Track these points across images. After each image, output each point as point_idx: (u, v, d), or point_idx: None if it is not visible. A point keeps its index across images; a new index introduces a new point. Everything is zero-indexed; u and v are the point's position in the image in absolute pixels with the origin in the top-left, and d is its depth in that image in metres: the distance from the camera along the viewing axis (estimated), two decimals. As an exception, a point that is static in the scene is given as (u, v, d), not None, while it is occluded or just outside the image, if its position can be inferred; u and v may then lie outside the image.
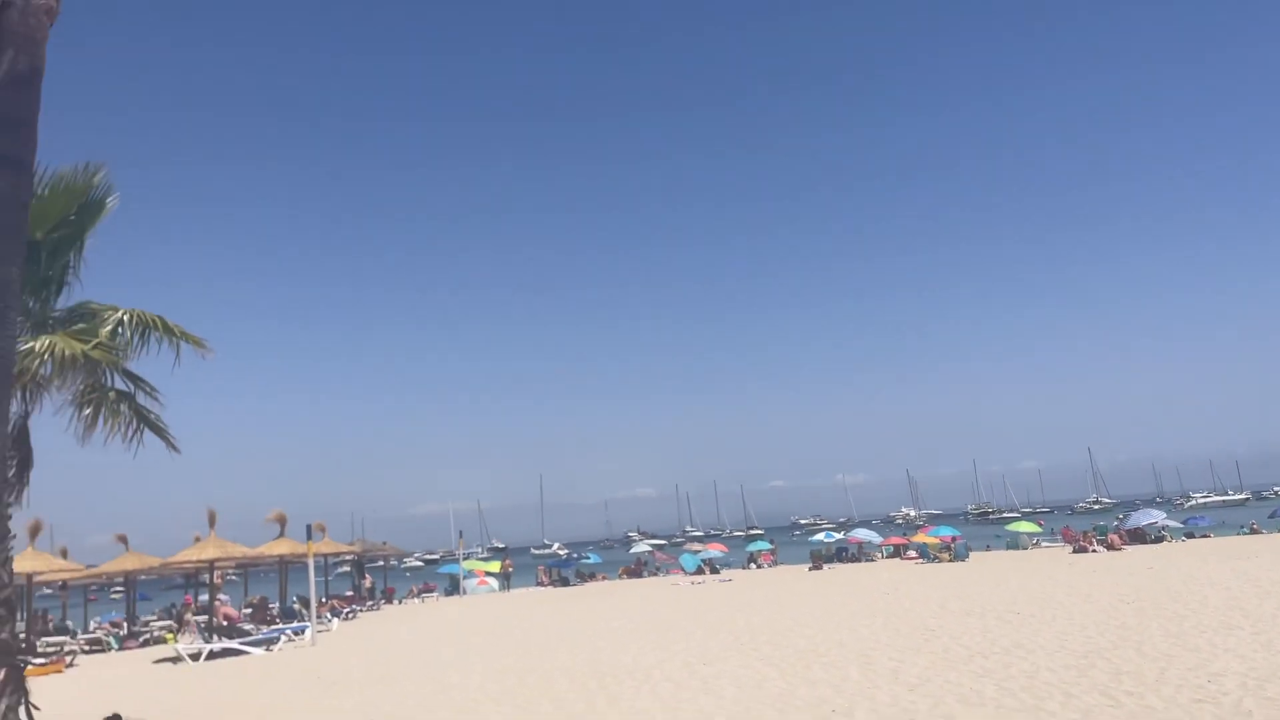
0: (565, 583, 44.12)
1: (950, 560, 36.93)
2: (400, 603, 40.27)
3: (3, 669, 10.51)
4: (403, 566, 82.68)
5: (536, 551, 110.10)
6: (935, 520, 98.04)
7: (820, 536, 51.01)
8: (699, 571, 43.00)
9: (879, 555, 44.57)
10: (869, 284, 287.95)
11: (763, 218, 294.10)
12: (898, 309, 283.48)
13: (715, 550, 50.49)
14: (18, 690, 10.69)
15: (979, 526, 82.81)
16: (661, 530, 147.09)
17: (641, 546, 62.45)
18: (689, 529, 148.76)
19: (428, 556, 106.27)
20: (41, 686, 12.25)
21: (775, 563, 46.33)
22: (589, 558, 52.53)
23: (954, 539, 40.41)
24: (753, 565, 45.80)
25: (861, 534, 48.07)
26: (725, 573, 41.92)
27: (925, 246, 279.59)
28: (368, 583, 41.48)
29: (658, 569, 47.92)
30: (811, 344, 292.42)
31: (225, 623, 24.34)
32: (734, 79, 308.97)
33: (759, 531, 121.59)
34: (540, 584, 44.67)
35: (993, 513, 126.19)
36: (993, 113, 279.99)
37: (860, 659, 13.13)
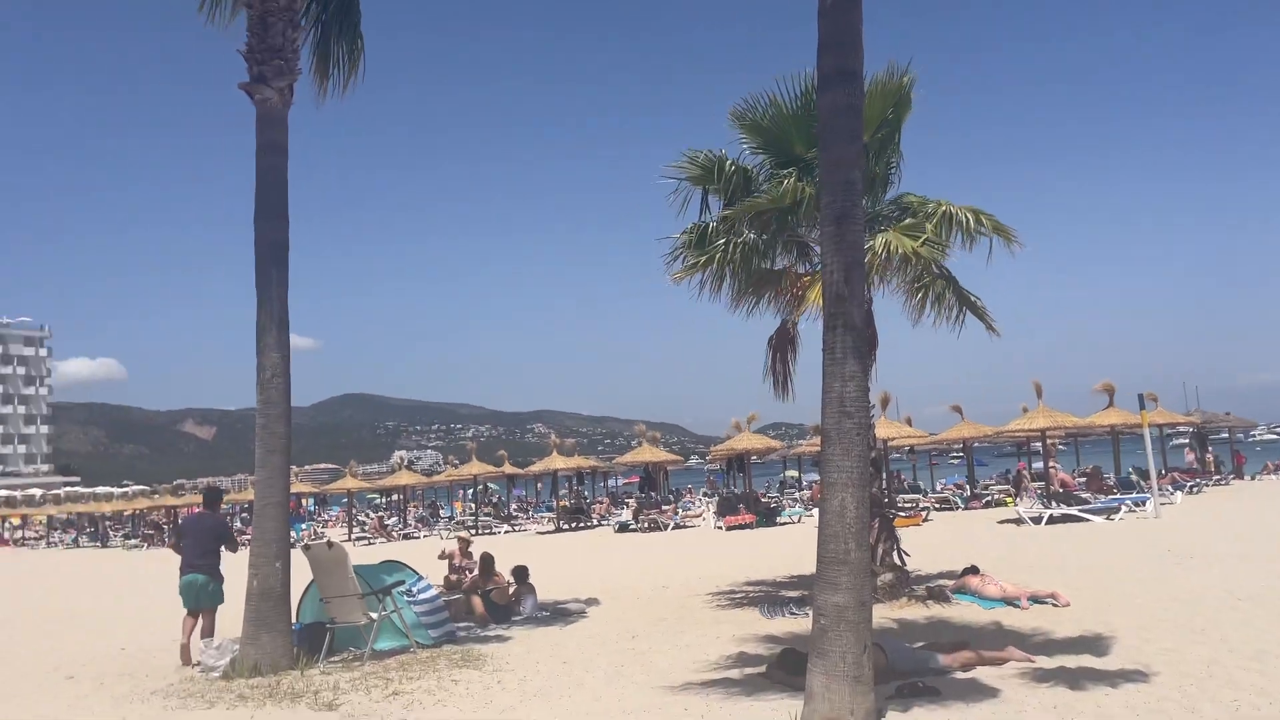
0: None
1: None
2: (1253, 479, 36.12)
3: (876, 518, 12.40)
4: (1249, 439, 73.78)
5: None
6: None
7: None
8: None
9: None
10: None
11: None
12: None
13: None
14: (890, 536, 12.50)
15: None
16: None
17: None
18: None
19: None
20: (905, 535, 14.06)
21: None
22: None
23: None
24: None
25: None
26: None
27: None
28: (1211, 456, 38.03)
29: None
30: None
31: (1062, 489, 24.75)
32: None
33: None
34: None
35: None
36: None
37: None
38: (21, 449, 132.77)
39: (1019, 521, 22.26)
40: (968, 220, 11.37)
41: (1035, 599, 10.86)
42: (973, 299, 12.01)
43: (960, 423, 31.68)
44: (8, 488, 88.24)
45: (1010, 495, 29.39)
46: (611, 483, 51.58)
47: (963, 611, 10.71)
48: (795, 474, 45.21)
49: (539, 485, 51.53)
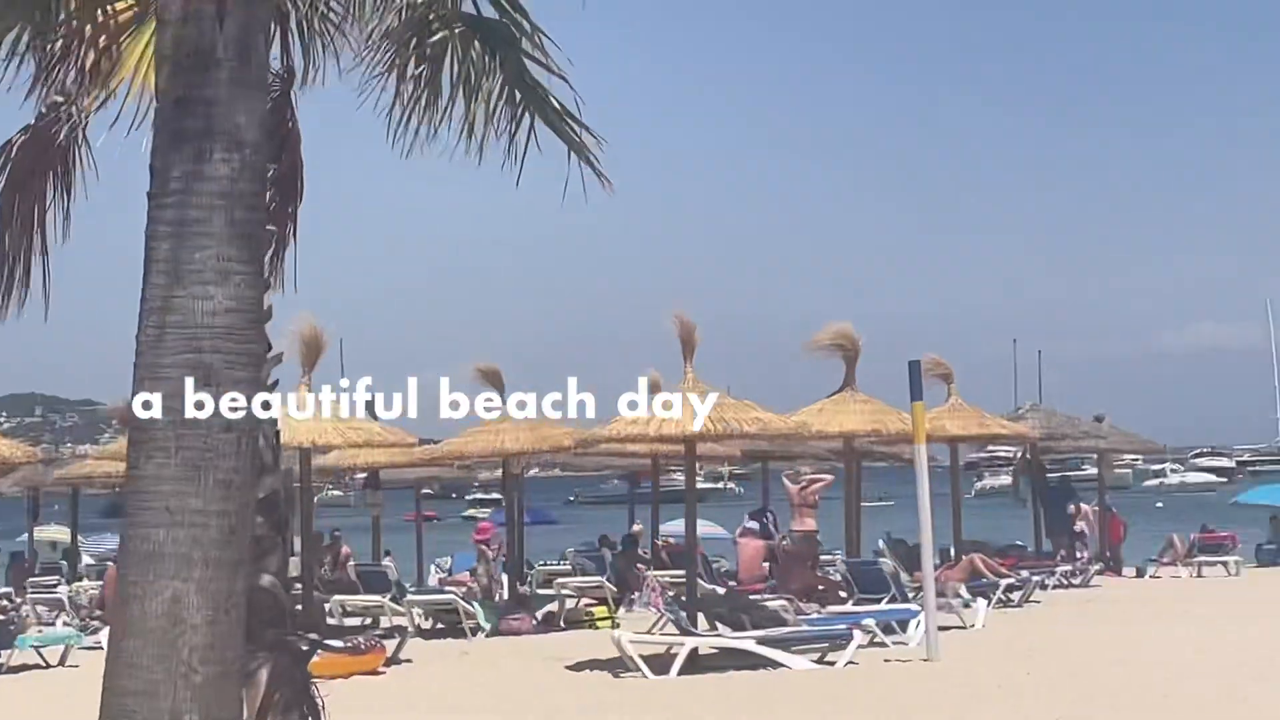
0: None
1: None
2: (1141, 574, 24.26)
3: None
4: (1148, 484, 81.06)
5: None
6: None
7: None
8: None
9: None
10: None
11: None
12: None
13: None
14: None
15: None
16: None
17: None
18: None
19: None
20: None
21: None
22: None
23: None
24: None
25: None
26: None
27: None
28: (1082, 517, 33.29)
29: None
30: None
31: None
32: None
33: None
34: None
35: None
36: None
37: None
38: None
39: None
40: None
41: None
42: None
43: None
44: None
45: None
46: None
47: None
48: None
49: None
